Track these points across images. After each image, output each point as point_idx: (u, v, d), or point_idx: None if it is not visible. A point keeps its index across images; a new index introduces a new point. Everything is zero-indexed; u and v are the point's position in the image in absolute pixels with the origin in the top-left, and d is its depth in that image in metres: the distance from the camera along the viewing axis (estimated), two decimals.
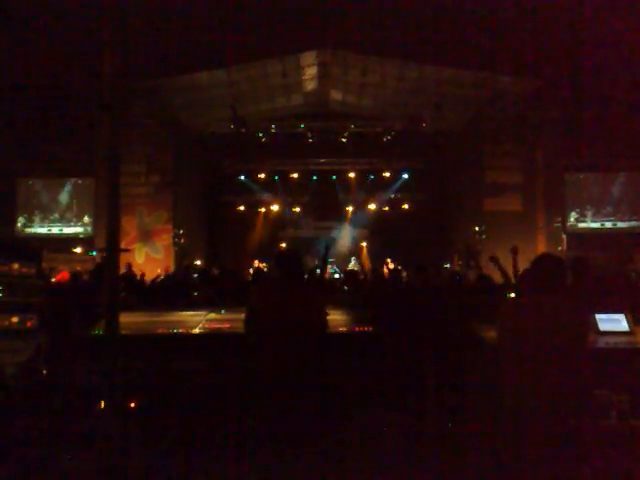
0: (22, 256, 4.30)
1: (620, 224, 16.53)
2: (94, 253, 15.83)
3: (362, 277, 9.59)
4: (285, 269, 4.34)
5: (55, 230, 16.69)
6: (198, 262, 17.01)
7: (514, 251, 7.15)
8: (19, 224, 16.52)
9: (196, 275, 15.49)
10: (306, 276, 8.23)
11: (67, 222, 16.75)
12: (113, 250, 2.90)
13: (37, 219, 16.68)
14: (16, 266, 4.17)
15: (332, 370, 4.36)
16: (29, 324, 4.25)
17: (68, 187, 16.87)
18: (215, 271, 11.92)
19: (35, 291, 4.39)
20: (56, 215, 16.75)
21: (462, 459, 4.04)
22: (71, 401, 4.06)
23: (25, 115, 15.03)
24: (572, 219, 16.53)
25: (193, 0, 12.20)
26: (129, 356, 3.98)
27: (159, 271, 13.10)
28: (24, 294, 4.27)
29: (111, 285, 2.92)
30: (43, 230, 16.63)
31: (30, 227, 16.62)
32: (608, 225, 16.55)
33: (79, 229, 16.74)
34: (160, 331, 5.04)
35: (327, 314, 4.40)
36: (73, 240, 16.49)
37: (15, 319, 4.13)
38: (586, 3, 11.39)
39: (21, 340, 4.11)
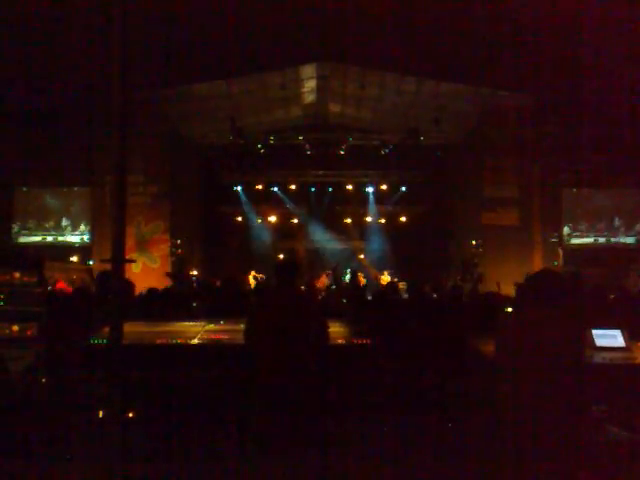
0: (23, 265, 4.32)
1: (614, 240, 16.61)
2: (91, 262, 15.83)
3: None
4: (282, 278, 4.41)
5: (50, 238, 16.66)
6: (195, 272, 17.01)
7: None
8: (13, 232, 16.50)
9: (194, 278, 15.50)
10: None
11: (62, 231, 16.73)
12: (119, 260, 2.92)
13: (32, 227, 16.65)
14: (17, 275, 4.19)
15: (330, 382, 4.38)
16: (29, 332, 4.26)
17: (64, 195, 16.87)
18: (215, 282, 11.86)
19: (36, 300, 4.40)
20: (51, 223, 16.73)
21: (462, 459, 4.06)
22: (71, 410, 4.07)
23: (23, 124, 15.05)
24: (565, 234, 16.61)
25: (193, 11, 12.27)
26: (128, 365, 3.99)
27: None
28: (25, 303, 4.28)
29: (116, 295, 2.95)
30: (37, 238, 16.59)
31: (24, 235, 16.58)
32: (601, 240, 16.63)
33: (75, 238, 16.72)
34: (159, 341, 5.05)
35: (328, 326, 4.43)
36: (68, 249, 16.47)
37: (16, 328, 4.14)
38: (585, 19, 11.49)
39: (21, 348, 4.12)
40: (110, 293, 2.86)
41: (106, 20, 3.79)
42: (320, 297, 9.95)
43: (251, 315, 4.41)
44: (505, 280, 12.50)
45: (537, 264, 15.04)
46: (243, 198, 20.29)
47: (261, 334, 4.22)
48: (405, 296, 9.13)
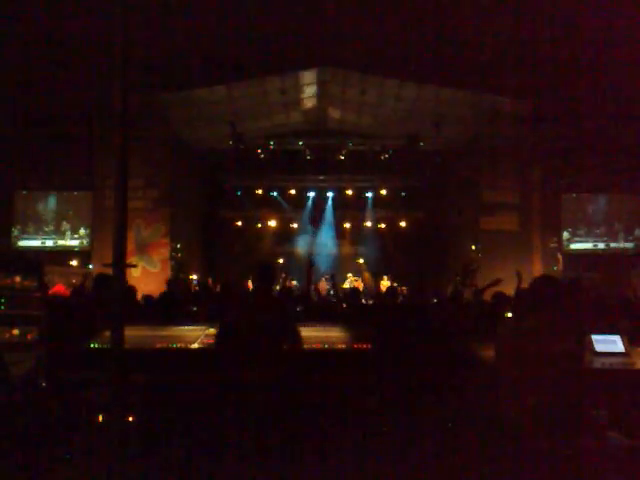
0: (23, 269, 4.32)
1: (613, 245, 16.62)
2: (90, 266, 15.81)
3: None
4: (258, 281, 4.45)
5: (49, 242, 16.65)
6: (194, 276, 17.01)
7: (519, 276, 7.29)
8: (13, 235, 16.49)
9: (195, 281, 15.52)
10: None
11: (62, 235, 16.72)
12: (119, 265, 2.93)
13: (31, 231, 16.64)
14: (18, 279, 4.20)
15: (331, 386, 4.39)
16: (29, 337, 4.27)
17: (64, 199, 16.86)
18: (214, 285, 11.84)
19: (36, 304, 4.41)
20: (51, 227, 16.72)
21: (463, 464, 4.06)
22: (70, 414, 4.07)
23: (24, 128, 15.07)
24: (564, 239, 16.62)
25: (194, 16, 12.31)
26: (128, 370, 4.00)
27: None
28: (25, 307, 4.29)
29: (117, 299, 2.95)
30: (37, 242, 16.58)
31: (23, 239, 16.58)
32: (601, 246, 16.63)
33: (74, 242, 16.71)
34: (159, 345, 5.06)
35: (299, 329, 4.45)
36: (68, 253, 16.46)
37: (16, 332, 4.15)
38: (584, 25, 11.53)
39: (21, 353, 4.12)
40: (107, 296, 2.87)
41: (107, 24, 3.81)
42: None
43: (224, 318, 4.45)
44: (504, 285, 12.48)
45: (536, 269, 15.04)
46: (243, 202, 20.31)
47: (235, 336, 4.25)
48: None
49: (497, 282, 8.76)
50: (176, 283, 13.26)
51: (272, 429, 4.05)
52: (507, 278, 13.59)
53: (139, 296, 8.27)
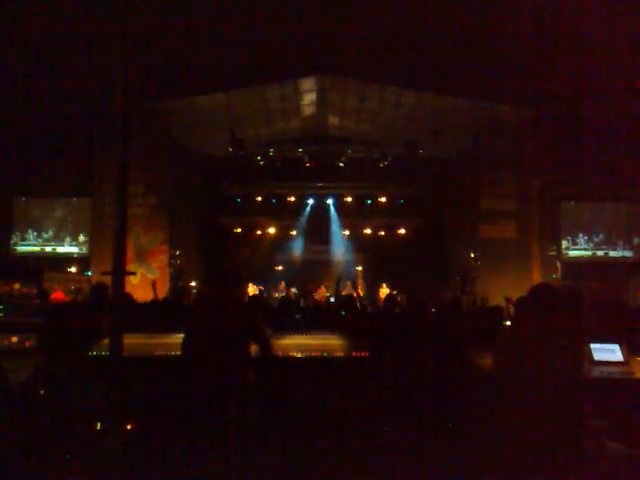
0: (23, 276, 4.32)
1: (612, 253, 16.61)
2: (89, 273, 15.80)
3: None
4: (219, 289, 4.43)
5: (48, 249, 16.64)
6: (193, 283, 16.99)
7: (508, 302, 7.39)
8: (12, 242, 16.48)
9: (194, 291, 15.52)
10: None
11: (61, 241, 16.71)
12: (119, 273, 2.93)
13: (30, 237, 16.64)
14: (17, 286, 4.19)
15: (330, 393, 4.38)
16: (28, 344, 4.25)
17: (64, 206, 16.87)
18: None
19: (35, 311, 4.40)
20: (50, 234, 16.71)
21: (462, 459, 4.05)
22: (69, 422, 4.06)
23: (24, 134, 15.07)
24: (563, 247, 16.62)
25: (194, 23, 12.34)
26: (126, 377, 3.99)
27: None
28: (24, 314, 4.27)
29: (116, 307, 2.95)
30: (36, 248, 16.58)
31: (23, 245, 16.57)
32: (600, 254, 16.62)
33: (74, 248, 16.70)
34: (157, 353, 5.05)
35: (268, 337, 4.45)
36: (67, 259, 16.45)
37: (14, 339, 4.13)
38: (585, 33, 11.57)
39: (20, 360, 4.11)
40: (104, 305, 2.87)
41: (108, 31, 3.82)
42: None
43: (187, 326, 4.43)
44: (503, 293, 12.48)
45: (535, 277, 15.03)
46: (243, 209, 20.32)
47: (196, 345, 4.23)
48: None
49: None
50: (179, 290, 13.24)
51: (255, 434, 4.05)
52: (506, 286, 13.65)
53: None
